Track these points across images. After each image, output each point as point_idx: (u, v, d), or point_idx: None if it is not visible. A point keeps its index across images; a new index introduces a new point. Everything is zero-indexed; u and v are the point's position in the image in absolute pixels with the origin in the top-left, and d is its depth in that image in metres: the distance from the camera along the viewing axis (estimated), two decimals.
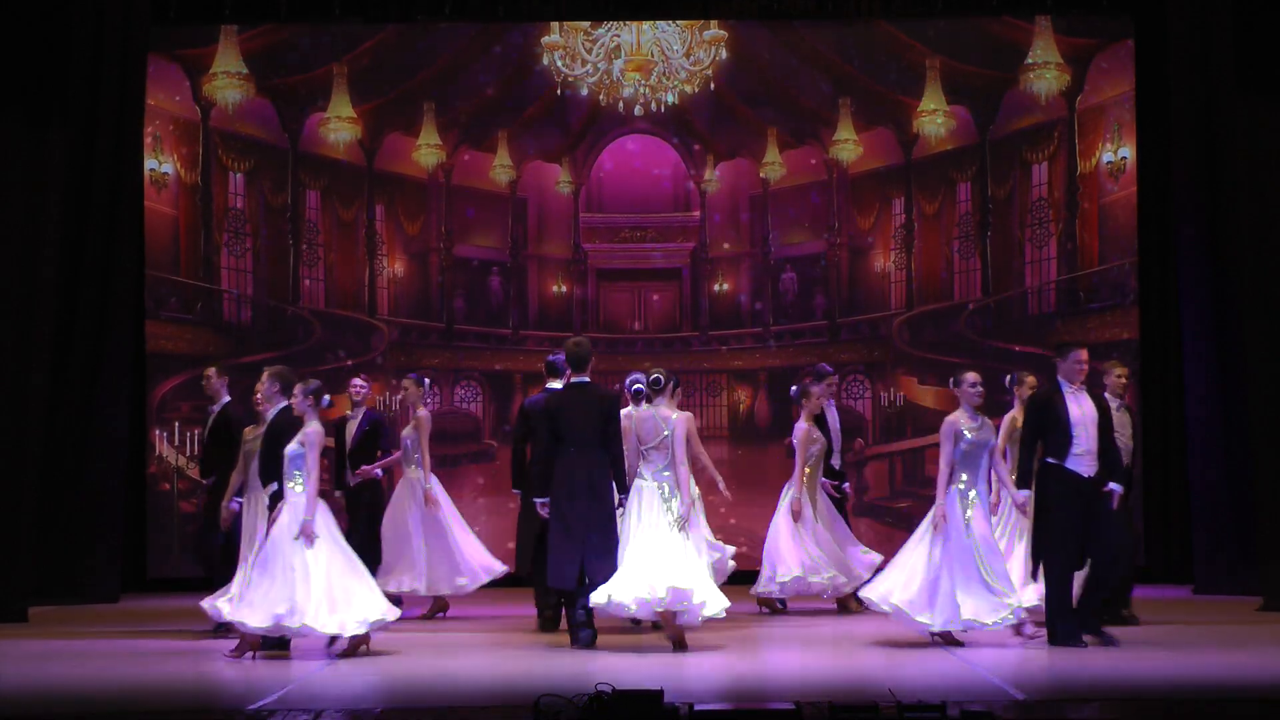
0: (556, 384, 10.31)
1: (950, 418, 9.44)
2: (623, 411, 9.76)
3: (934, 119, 13.89)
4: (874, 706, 6.93)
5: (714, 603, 9.24)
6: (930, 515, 9.40)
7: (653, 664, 8.87)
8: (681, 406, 10.25)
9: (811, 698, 7.14)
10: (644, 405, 9.59)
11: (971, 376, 9.47)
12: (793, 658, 9.29)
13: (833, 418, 11.64)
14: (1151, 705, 7.30)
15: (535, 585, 10.36)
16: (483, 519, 13.46)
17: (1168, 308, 13.12)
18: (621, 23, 13.83)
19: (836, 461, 11.62)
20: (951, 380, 9.67)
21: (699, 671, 8.56)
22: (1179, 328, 12.69)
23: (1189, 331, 12.48)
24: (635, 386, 9.65)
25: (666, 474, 9.46)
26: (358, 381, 11.63)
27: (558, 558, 9.52)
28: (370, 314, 13.89)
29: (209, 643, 9.88)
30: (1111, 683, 8.14)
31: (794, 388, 11.49)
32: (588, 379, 9.72)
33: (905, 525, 12.69)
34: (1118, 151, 13.49)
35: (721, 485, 10.95)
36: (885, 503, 13.76)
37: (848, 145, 13.96)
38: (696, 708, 6.96)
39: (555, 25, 13.81)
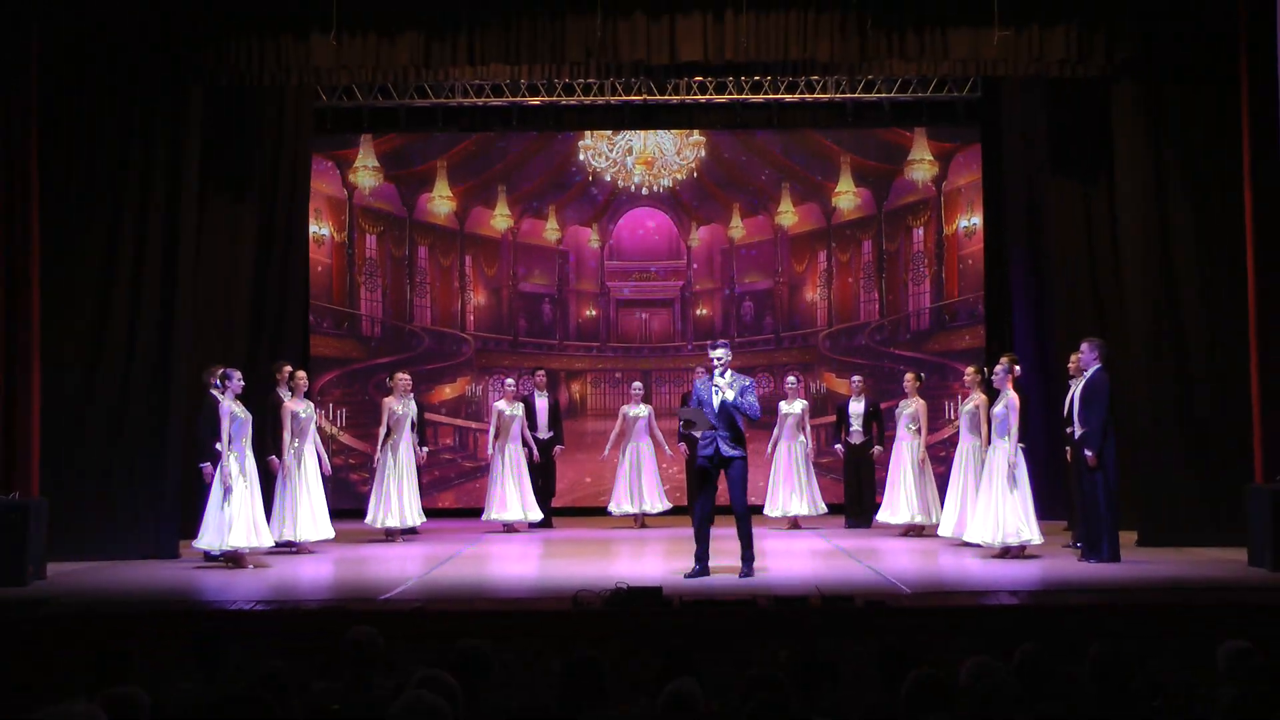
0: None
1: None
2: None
3: (846, 197, 13.88)
4: (804, 599, 6.99)
5: None
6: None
7: (655, 570, 8.83)
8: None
9: (762, 594, 7.20)
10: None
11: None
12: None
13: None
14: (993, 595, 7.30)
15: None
16: None
17: (1004, 325, 13.09)
18: (633, 132, 13.85)
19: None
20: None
21: (682, 580, 8.51)
22: (1012, 339, 12.67)
23: (1018, 342, 12.46)
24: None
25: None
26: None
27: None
28: (461, 330, 13.90)
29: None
30: (976, 579, 8.15)
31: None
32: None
33: (823, 474, 12.68)
34: (970, 219, 13.48)
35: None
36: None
37: (788, 214, 13.96)
38: (684, 600, 7.01)
39: (588, 133, 13.84)
